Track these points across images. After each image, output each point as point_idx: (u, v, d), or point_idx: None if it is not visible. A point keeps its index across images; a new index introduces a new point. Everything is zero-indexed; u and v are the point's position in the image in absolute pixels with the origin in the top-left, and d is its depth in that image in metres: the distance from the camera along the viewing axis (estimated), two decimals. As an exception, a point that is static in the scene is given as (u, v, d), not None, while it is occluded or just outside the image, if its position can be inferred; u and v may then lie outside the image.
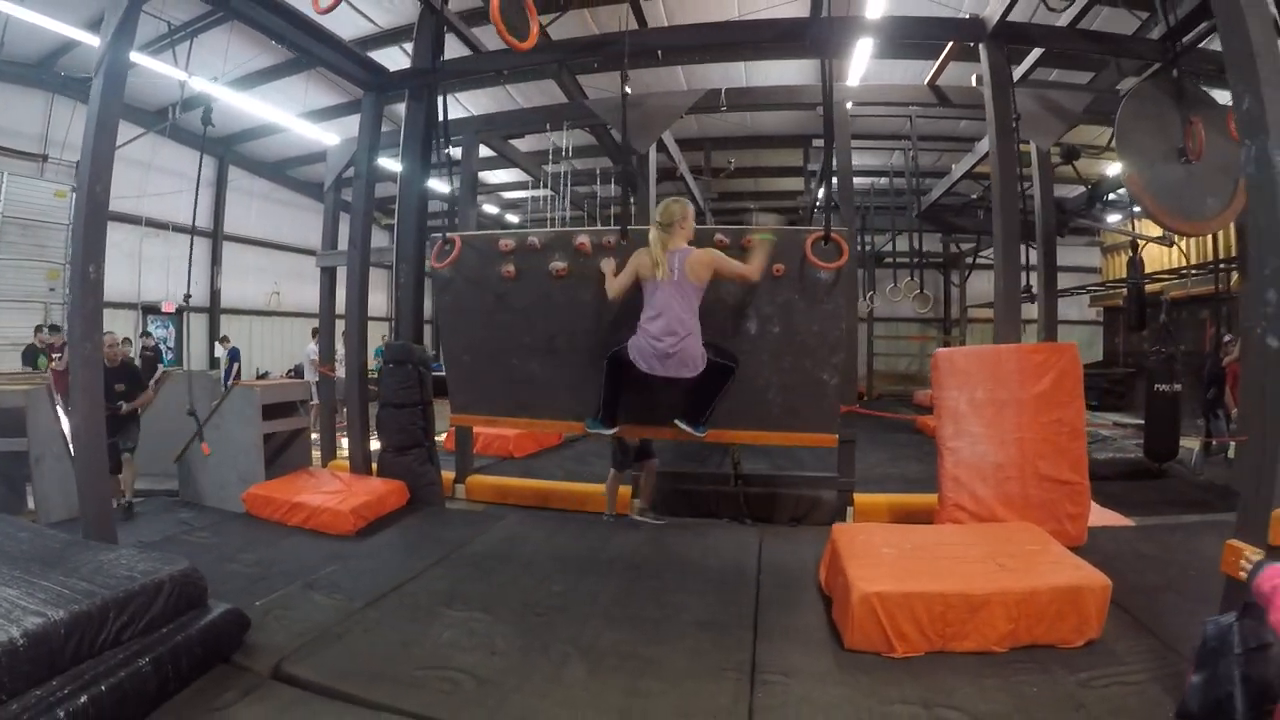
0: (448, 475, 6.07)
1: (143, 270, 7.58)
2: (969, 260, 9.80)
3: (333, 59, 5.42)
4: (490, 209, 10.42)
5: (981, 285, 10.66)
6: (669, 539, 4.47)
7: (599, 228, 3.89)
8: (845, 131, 5.31)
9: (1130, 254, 8.82)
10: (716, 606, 3.26)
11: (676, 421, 3.40)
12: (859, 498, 5.28)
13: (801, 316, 3.54)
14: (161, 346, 7.28)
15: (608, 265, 3.52)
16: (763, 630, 3.02)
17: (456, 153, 6.02)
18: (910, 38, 4.71)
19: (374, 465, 5.54)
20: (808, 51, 5.18)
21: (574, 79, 7.17)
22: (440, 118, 4.14)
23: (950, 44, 5.03)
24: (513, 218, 9.31)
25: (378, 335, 10.71)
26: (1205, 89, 5.06)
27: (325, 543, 4.27)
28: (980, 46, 4.54)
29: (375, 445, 5.71)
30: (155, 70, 6.25)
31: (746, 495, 5.42)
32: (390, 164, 6.66)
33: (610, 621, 3.05)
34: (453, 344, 4.10)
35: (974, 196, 8.41)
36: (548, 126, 6.20)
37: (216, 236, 8.96)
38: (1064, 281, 9.83)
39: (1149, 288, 9.58)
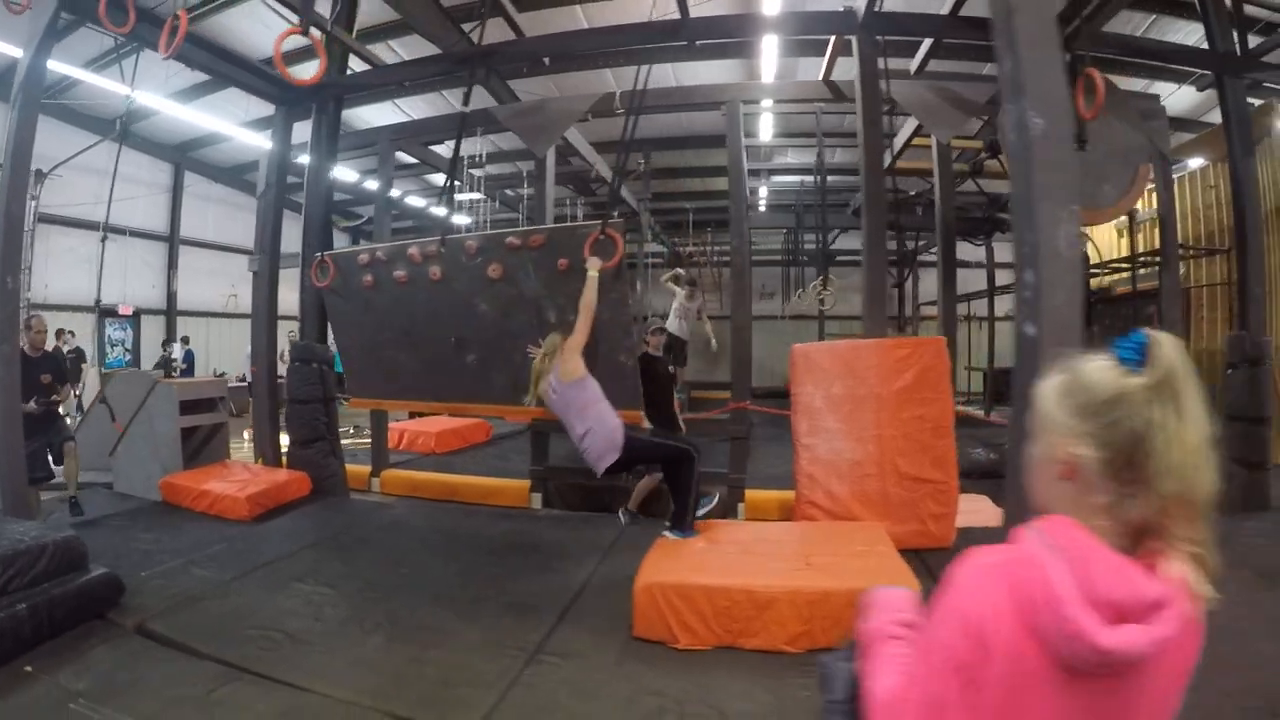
0: (364, 469, 6.21)
1: (107, 273, 7.72)
2: (911, 259, 9.49)
3: (241, 78, 5.48)
4: (441, 211, 10.44)
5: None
6: (541, 530, 4.55)
7: (428, 238, 4.23)
8: (736, 131, 5.15)
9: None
10: (539, 591, 3.33)
11: (664, 532, 3.34)
12: (751, 494, 5.12)
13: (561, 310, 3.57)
14: (82, 348, 7.42)
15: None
16: (570, 616, 3.05)
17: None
18: (789, 33, 4.53)
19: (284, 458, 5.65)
20: (691, 51, 5.03)
21: (504, 84, 7.12)
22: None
23: (834, 38, 4.84)
24: (463, 219, 9.34)
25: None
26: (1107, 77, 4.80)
27: (222, 526, 4.55)
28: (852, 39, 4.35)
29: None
30: (101, 85, 6.35)
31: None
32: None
33: (433, 599, 3.19)
34: (343, 342, 4.75)
35: (912, 193, 8.16)
36: (463, 133, 6.16)
37: (173, 241, 9.11)
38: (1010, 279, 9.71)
39: (1101, 282, 9.19)
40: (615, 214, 3.93)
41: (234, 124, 7.50)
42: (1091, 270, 8.01)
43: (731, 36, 4.66)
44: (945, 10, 4.51)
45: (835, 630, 2.74)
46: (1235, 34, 5.19)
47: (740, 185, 5.13)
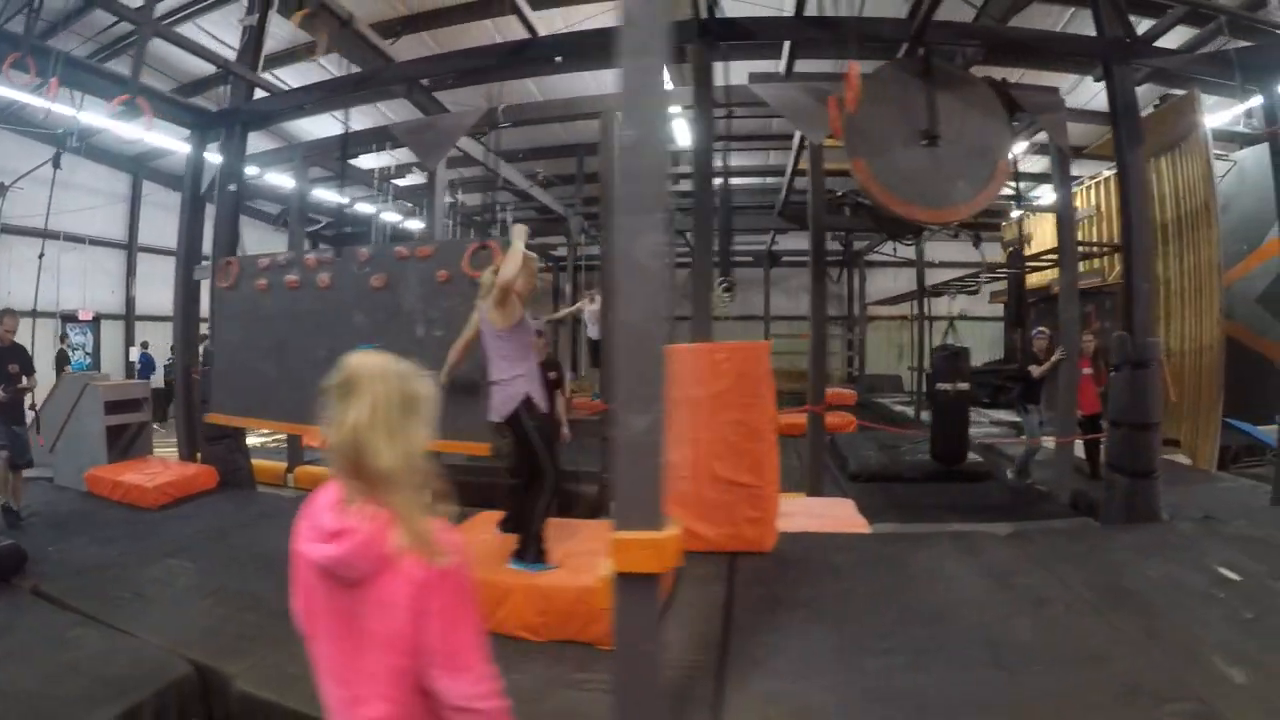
0: (280, 465, 6.49)
1: (61, 281, 8.19)
2: (841, 260, 9.35)
3: (157, 108, 5.80)
4: (393, 216, 10.70)
5: (885, 283, 10.22)
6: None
7: (320, 248, 4.32)
8: (611, 140, 5.19)
9: (1012, 247, 8.24)
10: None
11: (509, 563, 3.19)
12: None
13: (461, 321, 3.60)
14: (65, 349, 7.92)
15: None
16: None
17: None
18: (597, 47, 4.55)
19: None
20: (564, 65, 5.09)
21: (430, 96, 7.30)
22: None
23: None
24: (418, 224, 9.62)
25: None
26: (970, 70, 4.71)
27: (130, 513, 4.96)
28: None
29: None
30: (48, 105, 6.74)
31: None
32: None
33: (267, 574, 3.38)
34: (218, 348, 5.01)
35: (839, 193, 8.05)
36: (374, 147, 6.38)
37: (131, 248, 9.59)
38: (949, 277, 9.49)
39: (1038, 280, 8.92)
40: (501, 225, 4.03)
41: (179, 139, 7.86)
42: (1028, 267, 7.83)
43: (574, 53, 4.68)
44: (791, 13, 4.48)
45: (570, 624, 2.87)
46: (1123, 20, 5.01)
47: (612, 193, 5.16)
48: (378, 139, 6.18)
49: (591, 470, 5.34)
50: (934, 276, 9.77)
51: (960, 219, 4.31)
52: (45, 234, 6.81)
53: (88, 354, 8.65)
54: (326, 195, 9.41)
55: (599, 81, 7.44)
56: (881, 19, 4.60)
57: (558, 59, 4.86)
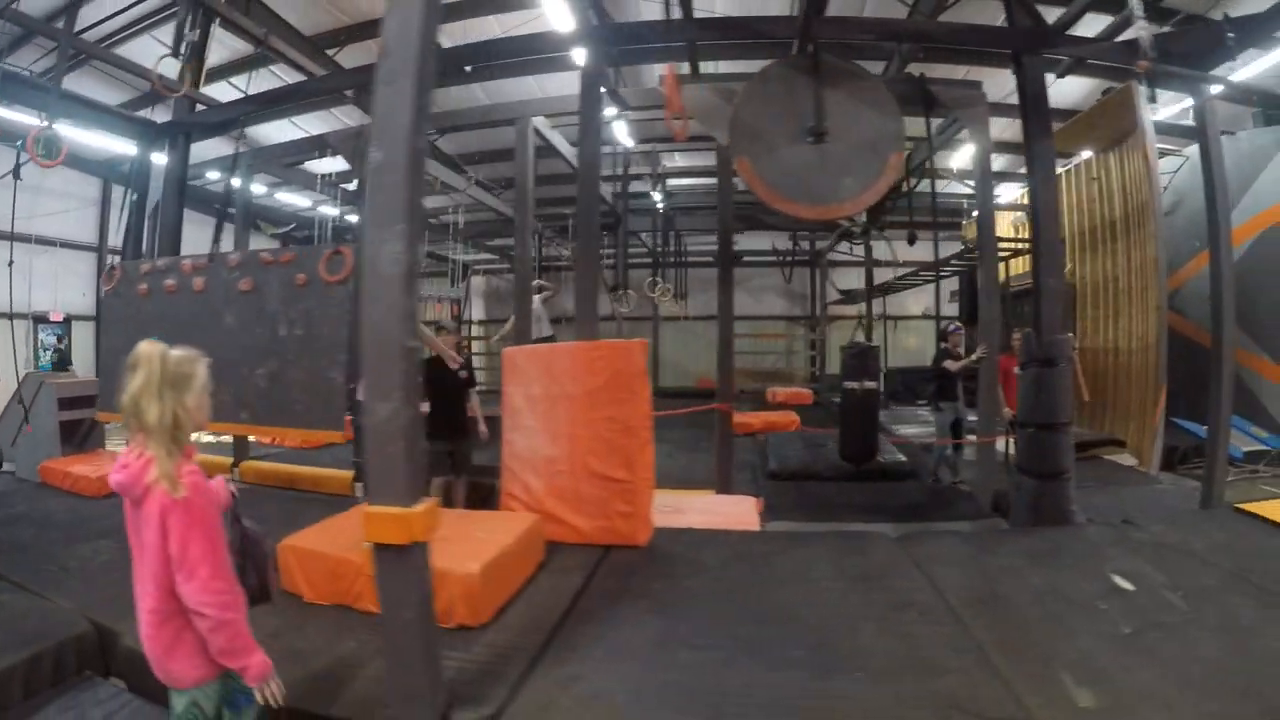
0: (226, 460, 6.91)
1: (33, 283, 8.77)
2: (788, 259, 9.49)
3: (101, 120, 6.26)
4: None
5: (849, 282, 10.33)
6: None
7: (197, 254, 4.67)
8: (526, 144, 5.48)
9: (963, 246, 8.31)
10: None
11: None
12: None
13: (317, 321, 3.92)
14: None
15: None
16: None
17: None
18: (531, 54, 4.81)
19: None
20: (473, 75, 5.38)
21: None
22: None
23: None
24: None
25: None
26: (857, 63, 4.84)
27: (76, 500, 5.41)
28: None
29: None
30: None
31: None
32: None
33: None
34: (104, 349, 5.53)
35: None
36: (317, 153, 6.76)
37: (101, 251, 10.14)
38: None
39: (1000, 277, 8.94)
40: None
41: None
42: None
43: (475, 62, 4.96)
44: (678, 14, 4.68)
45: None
46: (1030, 10, 5.09)
47: (526, 195, 5.45)
48: (317, 146, 6.56)
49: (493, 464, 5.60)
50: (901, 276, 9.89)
51: (847, 214, 4.45)
52: (14, 237, 7.30)
53: (50, 352, 9.24)
54: (294, 199, 9.88)
55: (542, 86, 7.78)
56: (775, 17, 4.79)
57: (467, 69, 5.14)
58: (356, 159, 6.01)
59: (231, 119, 6.10)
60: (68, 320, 9.57)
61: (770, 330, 12.26)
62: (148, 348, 1.78)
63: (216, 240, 5.86)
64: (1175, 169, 7.55)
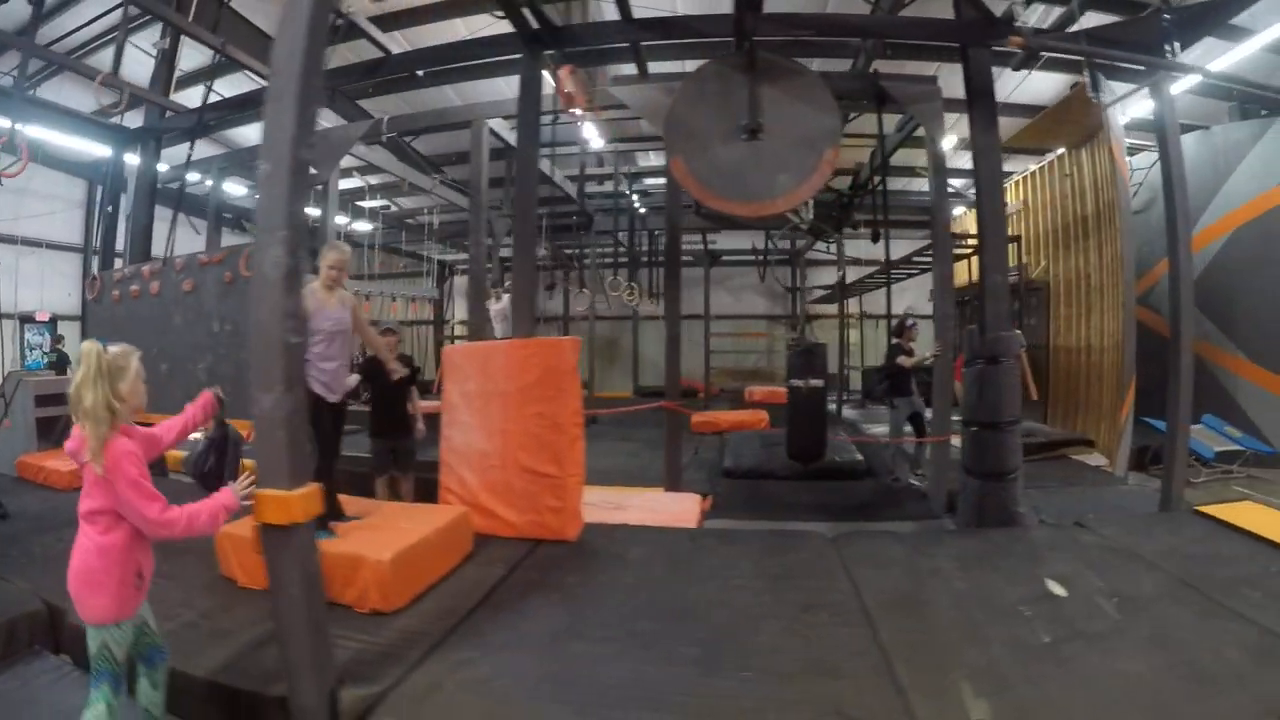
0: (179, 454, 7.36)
1: (19, 284, 9.27)
2: (763, 258, 9.65)
3: (74, 126, 6.67)
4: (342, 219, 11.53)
5: (826, 281, 10.48)
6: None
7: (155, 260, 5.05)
8: (481, 148, 5.76)
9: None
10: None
11: None
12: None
13: (222, 318, 4.24)
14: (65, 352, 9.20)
15: None
16: (192, 555, 3.82)
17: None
18: (475, 59, 5.06)
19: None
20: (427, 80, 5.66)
21: (353, 103, 7.99)
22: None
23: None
24: (363, 226, 10.44)
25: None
26: (797, 60, 4.97)
27: (47, 493, 5.78)
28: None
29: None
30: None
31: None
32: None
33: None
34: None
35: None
36: None
37: (86, 252, 10.59)
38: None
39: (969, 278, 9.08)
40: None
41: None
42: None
43: (426, 66, 5.23)
44: (616, 17, 4.91)
45: (333, 586, 3.35)
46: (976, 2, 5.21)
47: (480, 197, 5.72)
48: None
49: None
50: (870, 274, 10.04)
51: (781, 211, 4.61)
52: (25, 241, 7.73)
53: (45, 353, 9.70)
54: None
55: (511, 86, 8.06)
56: (713, 16, 4.97)
57: (419, 73, 5.43)
58: (321, 161, 6.34)
59: (200, 124, 6.44)
60: (54, 320, 10.05)
61: (752, 329, 12.53)
62: (87, 346, 2.21)
63: (170, 243, 6.23)
64: (1150, 165, 7.62)
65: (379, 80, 6.90)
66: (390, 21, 6.50)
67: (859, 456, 6.53)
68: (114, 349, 2.25)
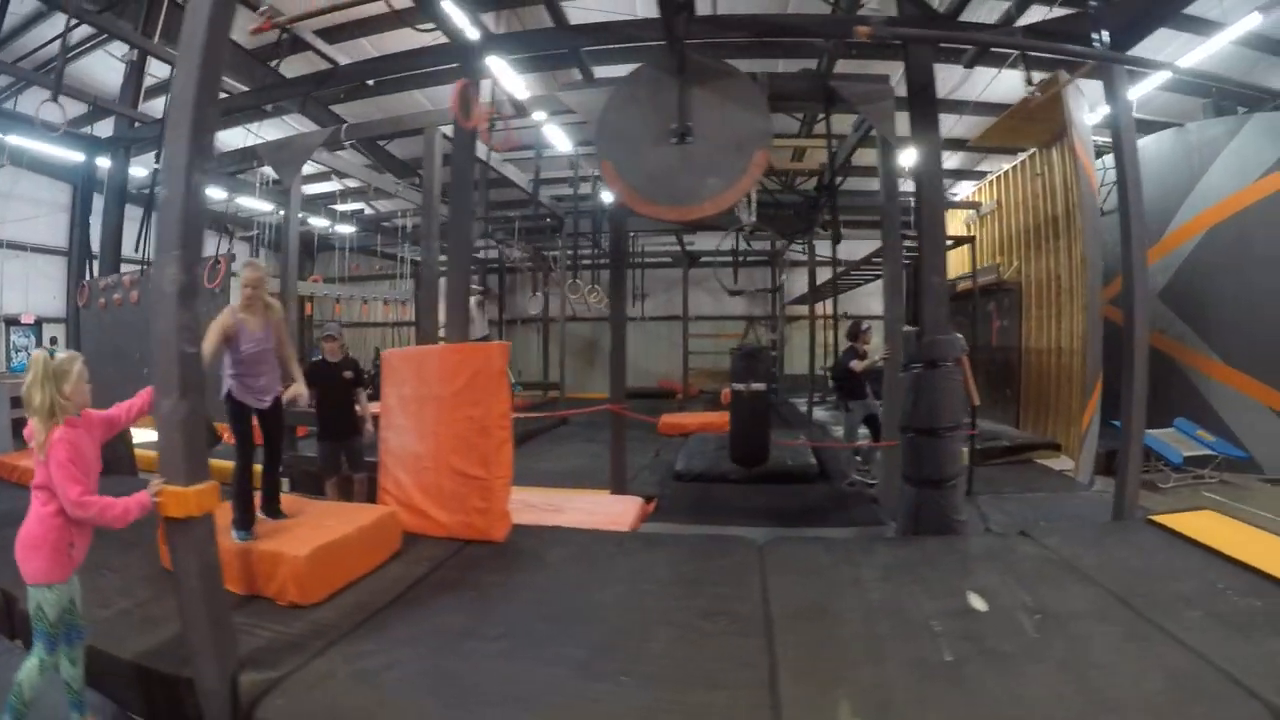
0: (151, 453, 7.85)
1: (4, 286, 9.86)
2: (731, 260, 9.87)
3: (47, 136, 7.13)
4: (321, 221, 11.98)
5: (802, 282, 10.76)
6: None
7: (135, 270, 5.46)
8: (433, 152, 6.09)
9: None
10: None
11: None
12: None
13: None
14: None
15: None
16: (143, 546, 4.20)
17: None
18: (418, 67, 5.40)
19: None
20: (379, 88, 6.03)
21: (325, 109, 8.40)
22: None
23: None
24: (346, 228, 10.88)
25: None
26: (726, 61, 5.17)
27: (21, 490, 6.23)
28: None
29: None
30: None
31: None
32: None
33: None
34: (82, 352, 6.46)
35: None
36: (256, 162, 7.55)
37: (71, 256, 11.14)
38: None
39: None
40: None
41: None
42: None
43: (376, 76, 5.57)
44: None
45: (258, 580, 3.71)
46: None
47: (432, 202, 6.06)
48: (250, 157, 7.33)
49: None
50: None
51: (709, 215, 4.80)
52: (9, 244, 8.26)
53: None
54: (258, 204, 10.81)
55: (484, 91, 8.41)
56: (646, 20, 5.23)
57: (369, 82, 5.78)
58: (284, 167, 6.74)
59: (163, 134, 6.87)
60: (39, 323, 10.65)
61: (731, 330, 12.79)
62: (37, 353, 2.73)
63: (143, 248, 6.66)
64: None
65: (349, 87, 7.32)
66: (340, 33, 6.87)
67: (812, 460, 6.74)
68: (60, 355, 2.74)
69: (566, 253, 9.91)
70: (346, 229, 11.03)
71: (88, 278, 6.77)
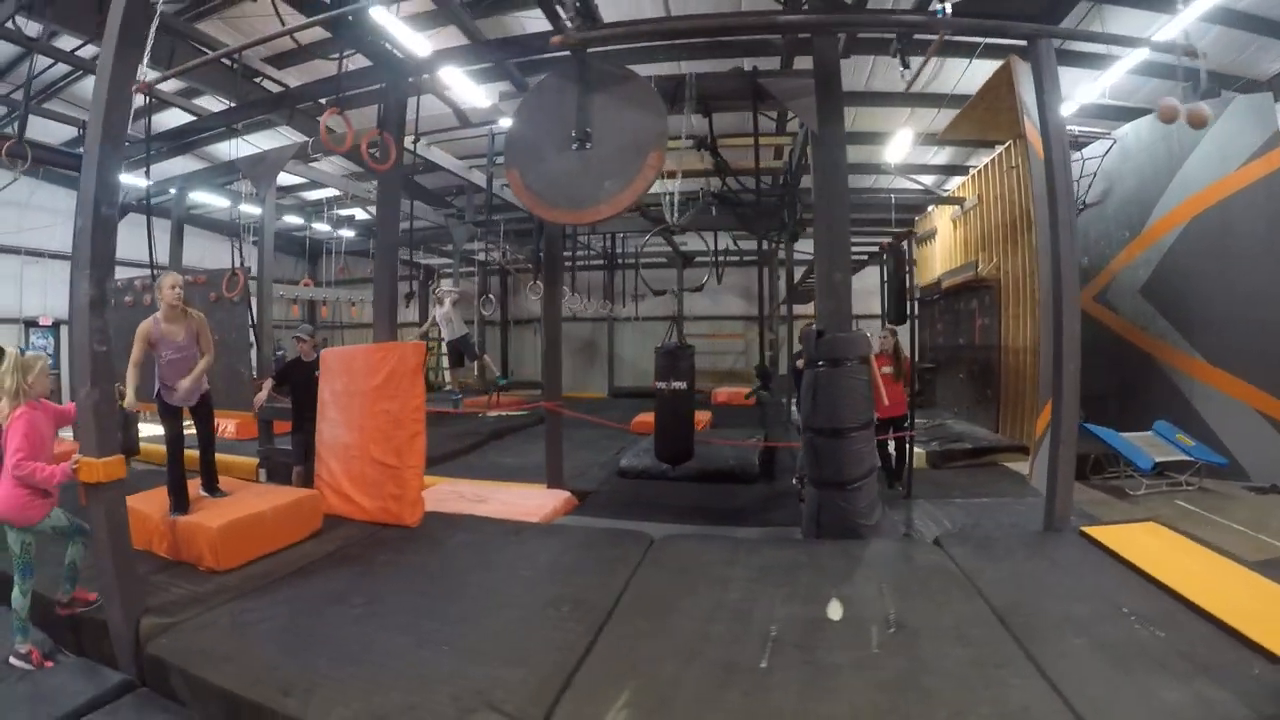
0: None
1: (24, 291, 11.65)
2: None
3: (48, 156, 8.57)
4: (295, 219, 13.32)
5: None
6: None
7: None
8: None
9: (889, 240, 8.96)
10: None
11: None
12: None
13: (227, 329, 5.76)
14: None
15: None
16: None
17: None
18: (354, 88, 6.37)
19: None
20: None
21: (314, 120, 9.59)
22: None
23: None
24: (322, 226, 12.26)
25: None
26: (628, 67, 5.73)
27: None
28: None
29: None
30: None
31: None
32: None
33: None
34: None
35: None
36: (240, 174, 8.80)
37: None
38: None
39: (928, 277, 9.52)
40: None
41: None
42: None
43: (314, 99, 6.57)
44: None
45: (184, 549, 4.70)
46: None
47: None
48: (232, 170, 8.56)
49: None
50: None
51: (605, 218, 5.37)
52: (7, 250, 9.85)
53: (50, 355, 12.02)
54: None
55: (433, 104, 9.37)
56: (545, 33, 5.93)
57: (322, 100, 6.82)
58: (260, 178, 7.90)
59: (159, 147, 8.17)
60: (56, 325, 12.45)
61: (729, 330, 13.33)
62: (11, 350, 4.00)
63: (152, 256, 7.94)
64: (1104, 153, 7.89)
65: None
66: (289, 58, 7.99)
67: (754, 461, 7.30)
68: (29, 353, 3.94)
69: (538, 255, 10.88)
70: (348, 233, 12.33)
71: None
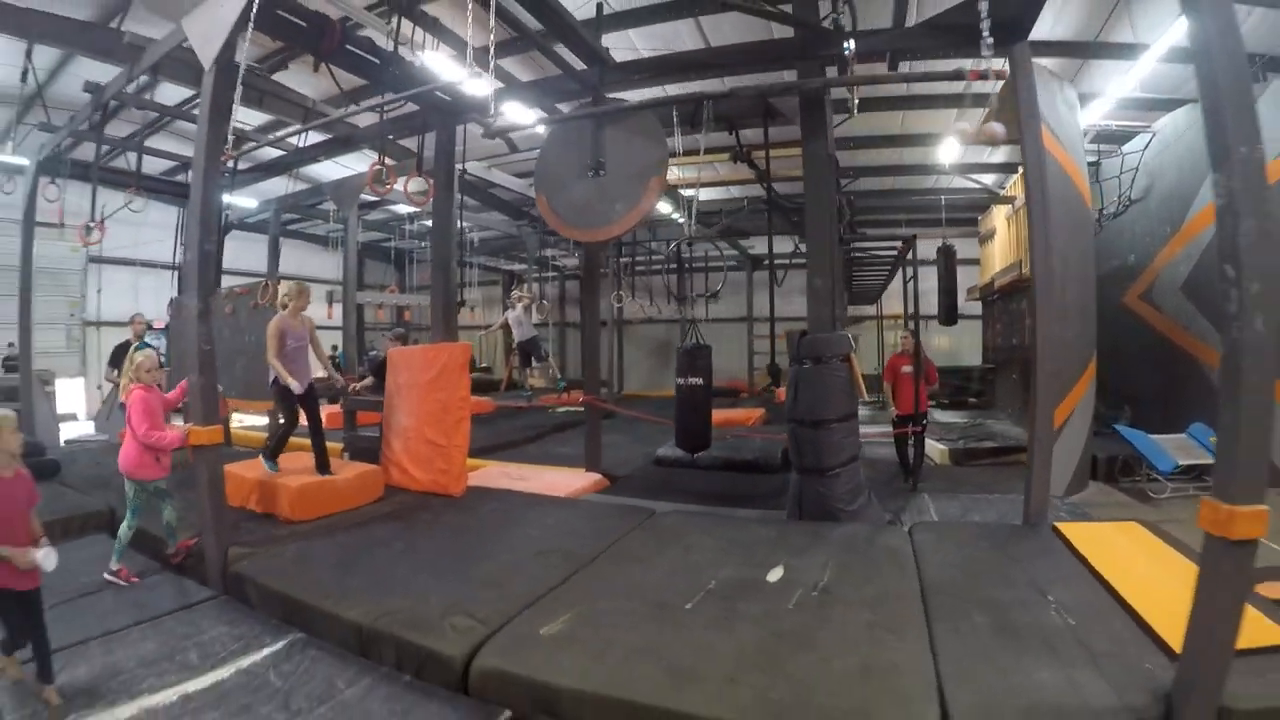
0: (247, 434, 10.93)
1: (139, 297, 14.07)
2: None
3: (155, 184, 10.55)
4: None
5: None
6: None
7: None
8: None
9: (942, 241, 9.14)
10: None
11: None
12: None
13: (249, 332, 7.26)
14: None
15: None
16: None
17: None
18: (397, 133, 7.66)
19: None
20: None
21: (398, 144, 11.18)
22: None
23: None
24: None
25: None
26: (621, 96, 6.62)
27: None
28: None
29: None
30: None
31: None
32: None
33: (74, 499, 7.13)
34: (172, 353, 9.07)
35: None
36: (326, 196, 10.48)
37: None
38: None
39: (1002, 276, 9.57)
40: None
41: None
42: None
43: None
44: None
45: (267, 501, 6.08)
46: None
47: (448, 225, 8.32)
48: (320, 193, 10.21)
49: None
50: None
51: (615, 236, 6.24)
52: (125, 262, 12.01)
53: (161, 353, 14.37)
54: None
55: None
56: (565, 74, 6.92)
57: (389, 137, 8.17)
58: (343, 200, 9.43)
59: (253, 174, 9.91)
60: (167, 327, 14.85)
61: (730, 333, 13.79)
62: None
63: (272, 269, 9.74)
64: (1143, 146, 7.76)
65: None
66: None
67: (777, 453, 7.91)
68: (142, 350, 5.43)
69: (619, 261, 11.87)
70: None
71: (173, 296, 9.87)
